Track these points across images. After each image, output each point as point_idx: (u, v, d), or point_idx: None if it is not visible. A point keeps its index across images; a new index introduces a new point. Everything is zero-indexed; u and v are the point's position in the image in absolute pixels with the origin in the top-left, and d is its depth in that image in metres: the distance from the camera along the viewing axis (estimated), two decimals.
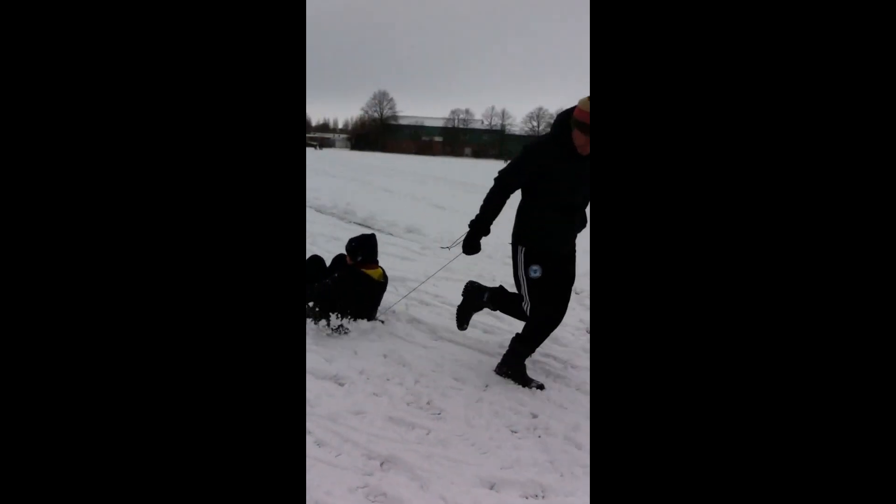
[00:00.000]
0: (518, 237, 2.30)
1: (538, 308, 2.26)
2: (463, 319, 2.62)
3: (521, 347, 2.30)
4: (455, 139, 70.52)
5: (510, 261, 2.40)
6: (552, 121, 2.27)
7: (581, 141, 2.00)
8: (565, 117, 2.09)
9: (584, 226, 2.32)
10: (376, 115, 72.49)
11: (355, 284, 2.86)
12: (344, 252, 3.12)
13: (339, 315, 2.77)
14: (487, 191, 2.29)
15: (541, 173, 2.13)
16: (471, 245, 2.39)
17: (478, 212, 2.32)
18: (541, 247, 2.22)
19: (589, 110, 1.89)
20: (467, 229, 2.37)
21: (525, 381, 2.31)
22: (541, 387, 2.30)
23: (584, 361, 2.63)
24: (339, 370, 2.37)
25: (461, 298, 2.64)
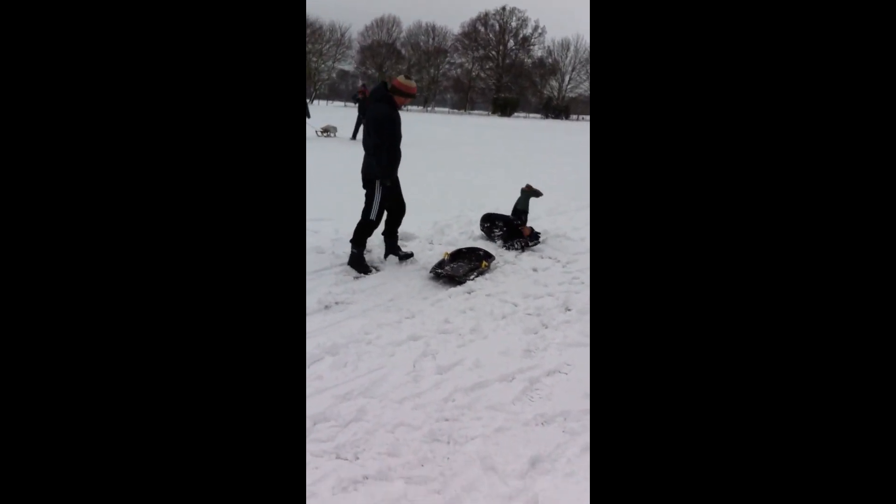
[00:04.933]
0: (377, 174, 3.53)
1: (377, 212, 3.59)
2: (361, 268, 3.64)
3: (356, 247, 3.64)
4: None
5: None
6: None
7: (400, 101, 3.53)
8: (384, 89, 3.51)
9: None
10: None
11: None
12: None
13: None
14: (382, 154, 3.52)
15: (396, 126, 3.57)
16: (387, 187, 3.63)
17: (385, 164, 3.51)
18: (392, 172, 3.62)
19: (403, 82, 3.49)
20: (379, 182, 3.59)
21: (364, 269, 3.60)
22: (373, 269, 3.62)
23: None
24: None
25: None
